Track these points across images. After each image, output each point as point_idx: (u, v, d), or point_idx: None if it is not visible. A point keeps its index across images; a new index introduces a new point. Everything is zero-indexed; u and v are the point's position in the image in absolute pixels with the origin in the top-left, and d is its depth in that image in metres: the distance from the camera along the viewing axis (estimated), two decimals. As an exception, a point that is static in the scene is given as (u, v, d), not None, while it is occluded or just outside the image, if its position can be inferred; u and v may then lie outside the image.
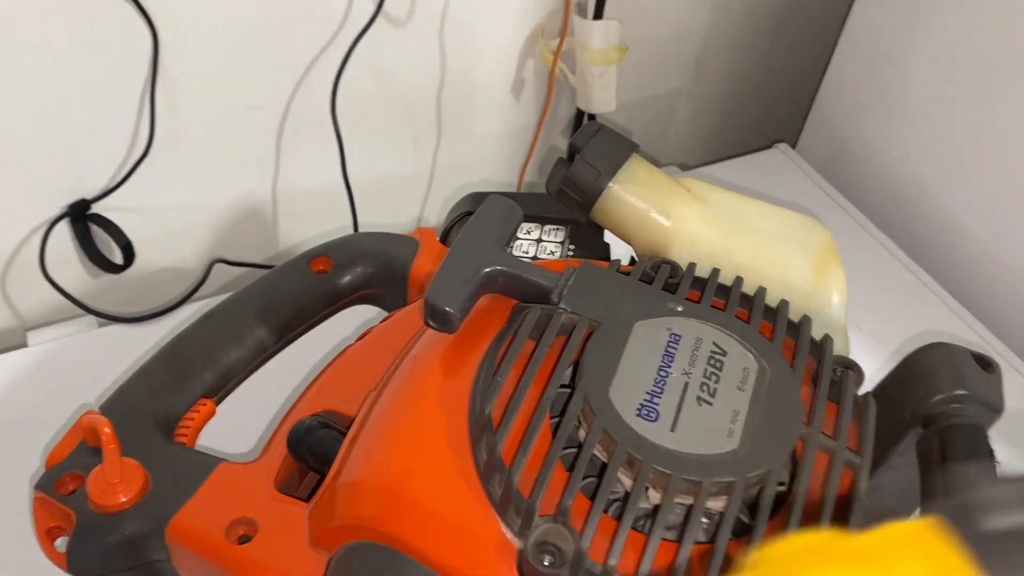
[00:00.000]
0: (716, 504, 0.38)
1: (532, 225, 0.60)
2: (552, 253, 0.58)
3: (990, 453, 0.46)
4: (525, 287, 0.45)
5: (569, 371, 0.42)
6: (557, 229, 0.60)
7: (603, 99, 0.88)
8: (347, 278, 0.58)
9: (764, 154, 0.95)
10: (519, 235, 0.59)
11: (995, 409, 0.49)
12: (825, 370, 0.43)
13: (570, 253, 0.58)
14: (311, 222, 0.86)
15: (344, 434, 0.45)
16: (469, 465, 0.40)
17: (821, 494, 0.39)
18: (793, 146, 0.98)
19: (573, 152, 0.55)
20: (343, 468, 0.43)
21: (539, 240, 0.59)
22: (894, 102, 0.87)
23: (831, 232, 0.55)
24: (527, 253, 0.58)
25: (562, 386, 0.42)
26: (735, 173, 0.91)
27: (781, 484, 0.40)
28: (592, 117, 0.93)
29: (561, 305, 0.43)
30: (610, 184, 0.53)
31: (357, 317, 0.59)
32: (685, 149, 1.08)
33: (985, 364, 0.50)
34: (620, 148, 0.54)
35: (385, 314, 0.58)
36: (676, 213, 0.54)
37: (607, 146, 0.54)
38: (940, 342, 0.50)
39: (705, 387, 0.41)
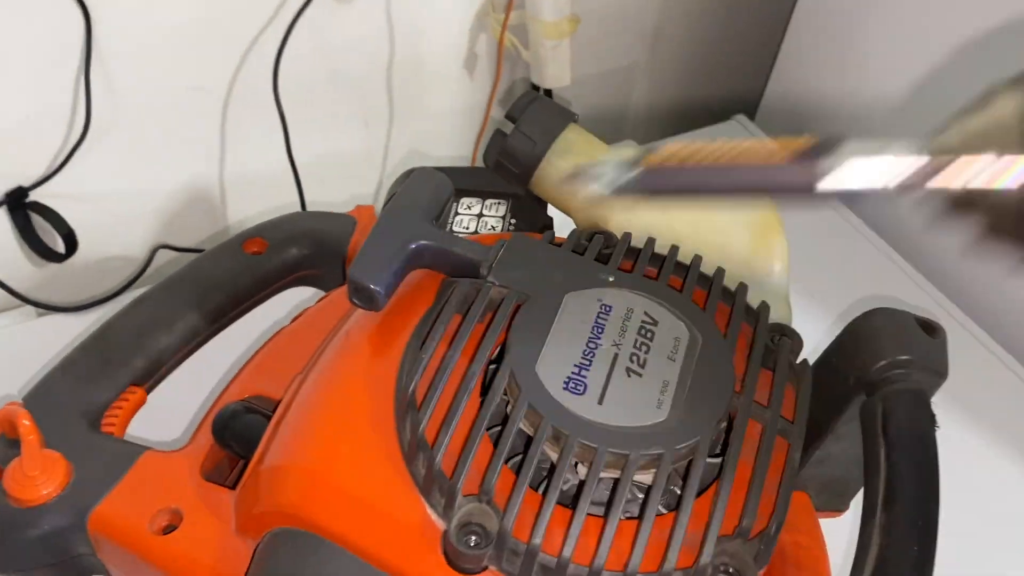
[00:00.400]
0: (645, 477, 0.37)
1: (473, 200, 0.58)
2: (493, 228, 0.57)
3: (932, 418, 0.45)
4: (454, 261, 0.44)
5: (497, 346, 0.41)
6: (498, 203, 0.59)
7: (557, 74, 0.87)
8: (282, 259, 0.57)
9: (721, 127, 0.94)
10: (459, 210, 0.58)
11: (939, 374, 0.48)
12: (759, 337, 0.42)
13: (511, 227, 0.57)
14: (259, 205, 0.85)
15: (270, 418, 0.44)
16: (394, 446, 0.39)
17: (754, 464, 0.38)
18: (752, 117, 0.97)
19: (511, 121, 0.53)
20: (266, 453, 0.42)
21: (480, 215, 0.58)
22: (855, 69, 0.86)
23: (775, 205, 0.54)
24: (467, 229, 0.57)
25: (491, 362, 0.40)
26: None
27: (714, 456, 0.39)
28: (548, 93, 0.91)
29: (489, 279, 0.42)
30: (546, 154, 0.52)
31: (294, 299, 0.58)
32: (645, 124, 1.07)
33: (930, 329, 0.49)
34: (556, 117, 0.53)
35: (322, 295, 0.56)
36: (615, 183, 0.52)
37: (543, 116, 0.53)
38: (883, 307, 0.49)
39: (635, 358, 0.40)
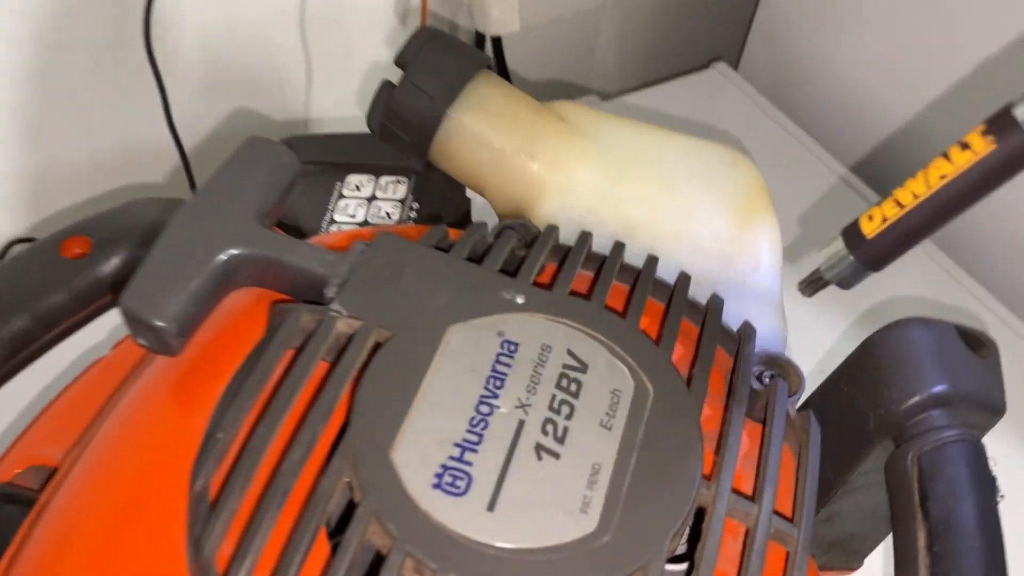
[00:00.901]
0: (564, 624, 0.23)
1: (363, 178, 0.44)
2: (388, 216, 0.42)
3: (991, 484, 0.31)
4: (288, 278, 0.30)
5: (337, 415, 0.27)
6: (397, 182, 0.44)
7: (503, 19, 0.72)
8: (112, 264, 0.42)
9: (699, 76, 0.79)
10: (344, 192, 0.44)
11: (994, 410, 0.35)
12: (740, 380, 0.28)
13: (412, 215, 0.42)
14: (143, 185, 0.70)
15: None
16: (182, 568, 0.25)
17: (737, 586, 0.24)
18: (734, 65, 0.83)
19: (403, 70, 0.39)
20: (11, 566, 0.28)
21: (372, 199, 0.43)
22: (846, 11, 0.72)
23: (762, 170, 0.40)
24: (353, 218, 0.42)
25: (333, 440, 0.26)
26: (665, 99, 0.75)
27: (680, 559, 0.26)
28: (496, 43, 0.77)
29: (335, 305, 0.28)
30: (448, 113, 0.38)
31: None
32: (614, 74, 0.92)
33: (977, 344, 0.36)
34: (462, 63, 0.39)
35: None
36: (546, 152, 0.38)
37: (443, 60, 0.38)
38: (912, 318, 0.36)
39: (550, 428, 0.26)
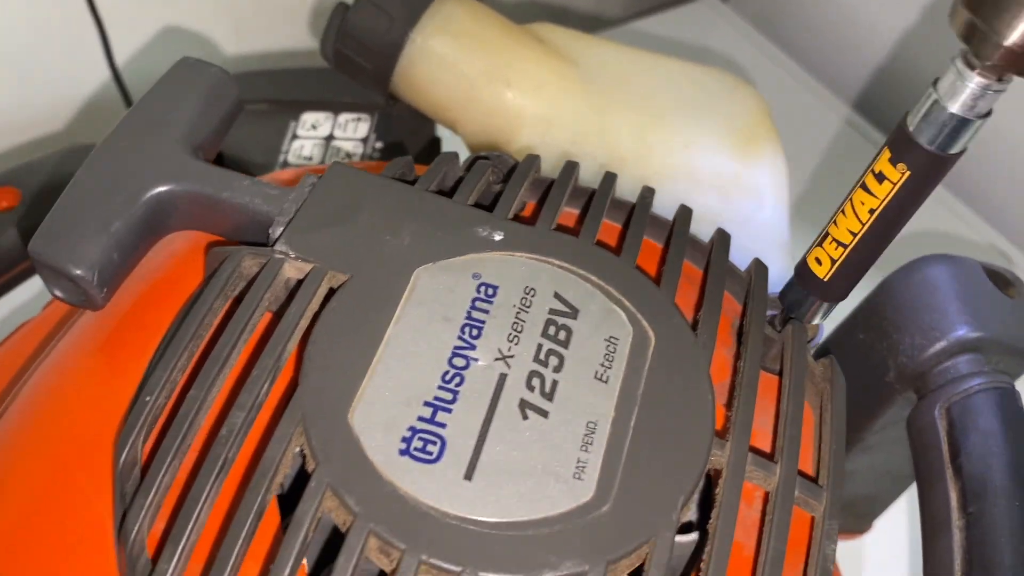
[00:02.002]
0: (557, 610, 0.20)
1: (320, 116, 0.40)
2: (348, 156, 0.38)
3: (1028, 433, 0.28)
4: (229, 217, 0.26)
5: (284, 371, 0.23)
6: (358, 120, 0.40)
7: None
8: (40, 215, 0.38)
9: (686, 9, 0.74)
10: (299, 132, 0.39)
11: (1024, 354, 0.31)
12: (754, 325, 0.25)
13: (376, 155, 0.38)
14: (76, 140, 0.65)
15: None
16: (110, 555, 0.21)
17: (755, 556, 0.21)
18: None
19: (355, -9, 0.35)
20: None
21: (330, 138, 0.39)
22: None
23: (764, 96, 0.36)
24: (310, 160, 0.38)
25: (279, 400, 0.23)
26: (651, 32, 0.71)
27: (689, 528, 0.22)
28: None
29: (280, 245, 0.24)
30: (411, 35, 0.34)
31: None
32: (595, 3, 0.86)
33: (1004, 283, 0.32)
34: (426, -21, 0.34)
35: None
36: (523, 78, 0.34)
37: (405, -24, 0.34)
38: (934, 255, 0.32)
39: (536, 382, 0.22)
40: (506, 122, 0.34)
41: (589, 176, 0.31)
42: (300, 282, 0.24)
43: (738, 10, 0.74)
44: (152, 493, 0.20)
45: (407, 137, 0.39)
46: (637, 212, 0.27)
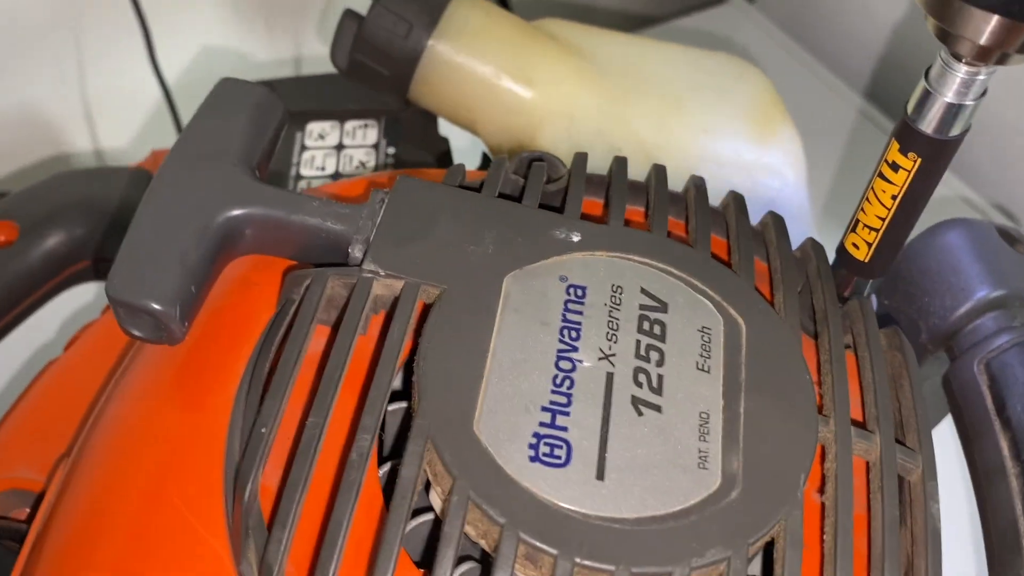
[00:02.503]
0: (697, 595, 0.21)
1: (327, 125, 0.39)
2: (363, 164, 0.38)
3: (1065, 381, 0.30)
4: (300, 239, 0.25)
5: (396, 385, 0.23)
6: (366, 126, 0.39)
7: None
8: (42, 250, 0.37)
9: (715, 12, 0.73)
10: (307, 143, 0.39)
11: (1044, 306, 0.33)
12: (828, 305, 0.26)
13: (390, 161, 0.38)
14: (123, 138, 0.62)
15: (22, 539, 0.25)
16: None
17: (868, 525, 0.22)
18: (752, 1, 0.77)
19: (366, -2, 0.34)
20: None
21: (340, 147, 0.39)
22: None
23: (782, 89, 0.37)
24: (323, 171, 0.38)
25: (402, 420, 0.23)
26: (679, 36, 0.69)
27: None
28: None
29: (368, 264, 0.24)
30: (429, 42, 0.33)
31: (69, 306, 0.38)
32: (619, 8, 0.84)
33: (1012, 240, 0.34)
34: (438, -18, 0.34)
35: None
36: (541, 75, 0.34)
37: (417, -19, 0.34)
38: (950, 220, 0.34)
39: (643, 378, 0.23)
40: (528, 120, 0.35)
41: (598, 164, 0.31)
42: (396, 300, 0.24)
43: (765, 12, 0.73)
44: (288, 526, 0.20)
45: (418, 140, 0.39)
46: (698, 201, 0.27)
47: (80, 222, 0.38)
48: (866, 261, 0.29)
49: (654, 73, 0.35)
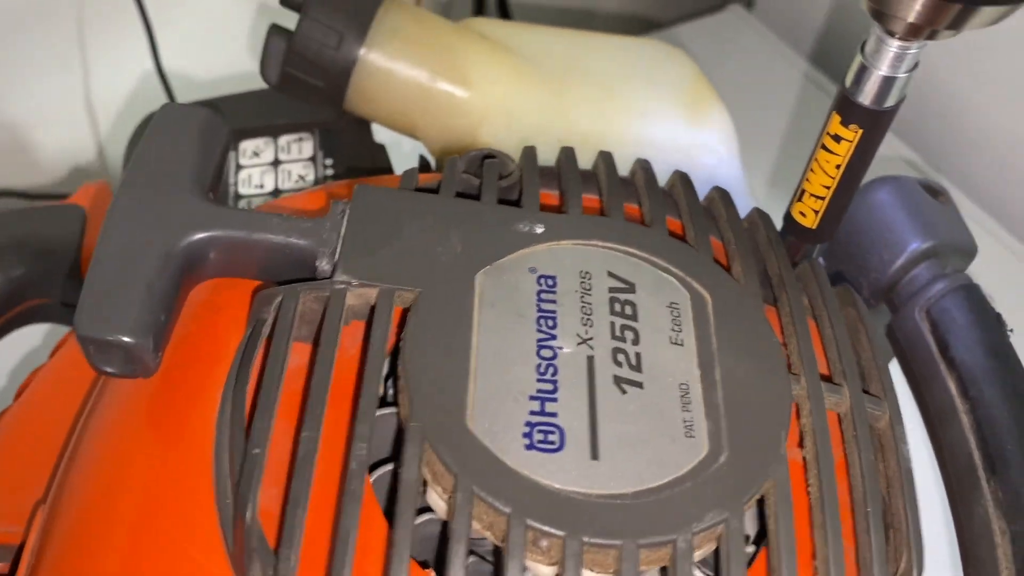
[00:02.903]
0: (702, 553, 0.21)
1: (260, 142, 0.39)
2: (302, 179, 0.38)
3: (998, 319, 0.32)
4: (266, 257, 0.25)
5: (382, 391, 0.23)
6: (300, 139, 0.39)
7: None
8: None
9: (714, 18, 0.74)
10: (242, 162, 0.38)
11: (970, 252, 0.35)
12: (783, 269, 0.27)
13: (328, 172, 0.38)
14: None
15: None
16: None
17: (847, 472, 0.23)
18: (748, 6, 0.78)
19: (293, 10, 0.34)
20: None
21: (276, 163, 0.38)
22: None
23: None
24: (262, 188, 0.37)
25: (396, 428, 0.23)
26: (678, 41, 0.69)
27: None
28: None
29: (339, 275, 0.24)
30: (362, 51, 0.33)
31: (15, 351, 0.37)
32: (620, 5, 0.83)
33: (933, 192, 0.36)
34: (364, -10, 0.34)
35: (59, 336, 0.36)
36: (476, 74, 0.35)
37: (343, -10, 0.34)
38: (878, 179, 0.35)
39: (622, 357, 0.23)
40: (467, 120, 0.35)
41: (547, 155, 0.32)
42: (372, 308, 0.24)
43: (763, 18, 0.74)
44: (294, 544, 0.20)
45: (354, 149, 0.39)
46: (648, 183, 0.28)
47: (12, 262, 0.36)
48: (814, 228, 0.30)
49: (586, 63, 0.36)
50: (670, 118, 0.36)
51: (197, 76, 0.61)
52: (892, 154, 0.60)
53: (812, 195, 0.29)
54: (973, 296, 0.32)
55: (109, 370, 0.24)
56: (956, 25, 0.23)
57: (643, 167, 0.29)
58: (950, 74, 0.61)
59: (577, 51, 0.37)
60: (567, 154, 0.29)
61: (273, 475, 0.22)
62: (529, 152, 0.29)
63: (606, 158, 0.29)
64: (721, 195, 0.29)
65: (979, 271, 0.35)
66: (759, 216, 0.29)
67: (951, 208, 0.36)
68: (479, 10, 0.71)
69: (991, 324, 0.31)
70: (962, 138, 0.62)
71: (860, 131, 0.27)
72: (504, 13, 0.70)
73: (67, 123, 0.60)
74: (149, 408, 0.25)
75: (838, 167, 0.28)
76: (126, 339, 0.23)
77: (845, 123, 0.27)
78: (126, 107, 0.61)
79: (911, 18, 0.23)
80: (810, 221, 0.29)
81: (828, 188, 0.29)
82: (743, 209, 0.36)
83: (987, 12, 0.22)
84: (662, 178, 0.31)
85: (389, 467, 0.23)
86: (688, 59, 0.37)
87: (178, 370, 0.25)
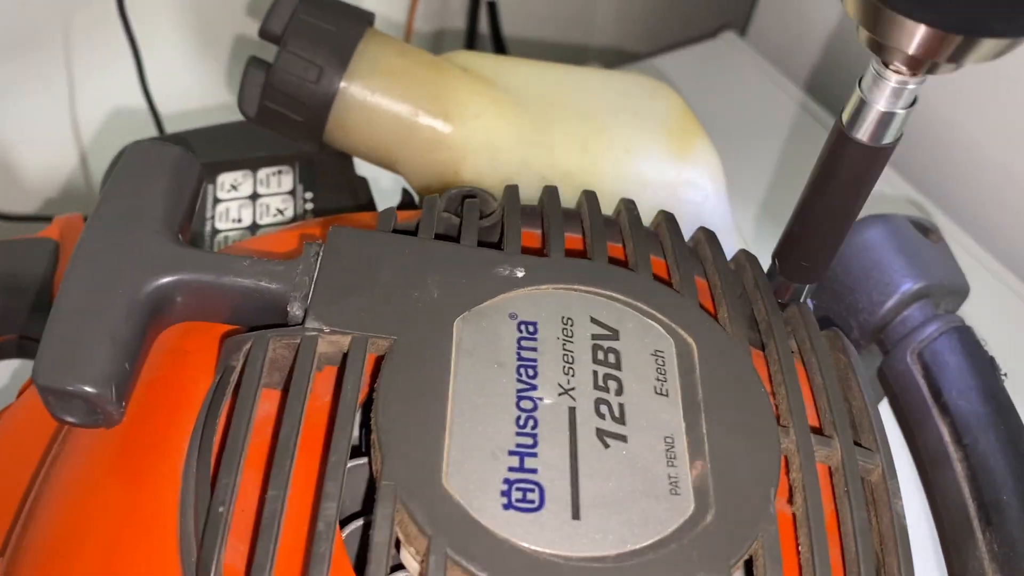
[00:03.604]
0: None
1: (238, 175, 0.38)
2: (280, 212, 0.37)
3: (992, 363, 0.31)
4: (235, 302, 0.24)
5: (355, 443, 0.22)
6: (280, 172, 0.38)
7: None
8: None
9: (707, 45, 0.73)
10: (220, 196, 0.37)
11: (962, 292, 0.35)
12: (771, 316, 0.26)
13: (308, 206, 0.37)
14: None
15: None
16: None
17: (838, 529, 0.22)
18: (742, 33, 0.78)
19: (272, 42, 0.33)
20: None
21: (255, 196, 0.38)
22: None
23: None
24: (240, 223, 0.37)
25: (367, 487, 0.22)
26: (671, 69, 0.69)
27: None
28: (492, 3, 0.69)
29: (311, 322, 0.23)
30: (342, 84, 0.33)
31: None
32: (613, 38, 0.84)
33: (925, 231, 0.36)
34: (345, 23, 0.33)
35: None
36: (459, 109, 0.34)
37: (324, 23, 0.33)
38: (868, 217, 0.35)
39: (605, 409, 0.23)
40: (449, 155, 0.34)
41: (530, 195, 0.31)
42: (345, 355, 0.23)
43: (755, 46, 0.73)
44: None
45: (334, 182, 0.38)
46: (632, 224, 0.27)
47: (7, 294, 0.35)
48: (806, 266, 0.29)
49: (570, 98, 0.36)
50: (655, 153, 0.35)
51: (184, 100, 0.60)
52: (893, 192, 0.60)
53: (803, 234, 0.28)
54: (966, 339, 0.32)
55: (71, 420, 0.23)
56: (957, 58, 0.22)
57: (627, 207, 0.28)
58: (950, 109, 0.61)
59: (561, 85, 0.36)
60: (550, 194, 0.28)
61: (241, 529, 0.21)
62: (511, 191, 0.28)
63: (590, 198, 0.28)
64: (707, 236, 0.28)
65: (976, 309, 0.34)
66: (746, 258, 0.28)
67: (943, 247, 0.35)
68: (471, 44, 0.71)
69: (985, 368, 0.31)
70: (957, 171, 0.61)
71: (851, 168, 0.26)
72: (499, 47, 0.70)
73: (52, 146, 0.59)
74: (114, 457, 0.24)
75: (827, 205, 0.27)
76: (88, 389, 0.22)
77: (837, 158, 0.26)
78: (112, 131, 0.61)
79: (911, 50, 0.22)
80: (800, 259, 0.29)
81: (820, 227, 0.28)
82: (730, 246, 0.35)
83: (989, 45, 0.21)
84: (648, 214, 0.30)
85: (361, 521, 0.22)
86: (673, 93, 0.37)
87: (145, 418, 0.24)
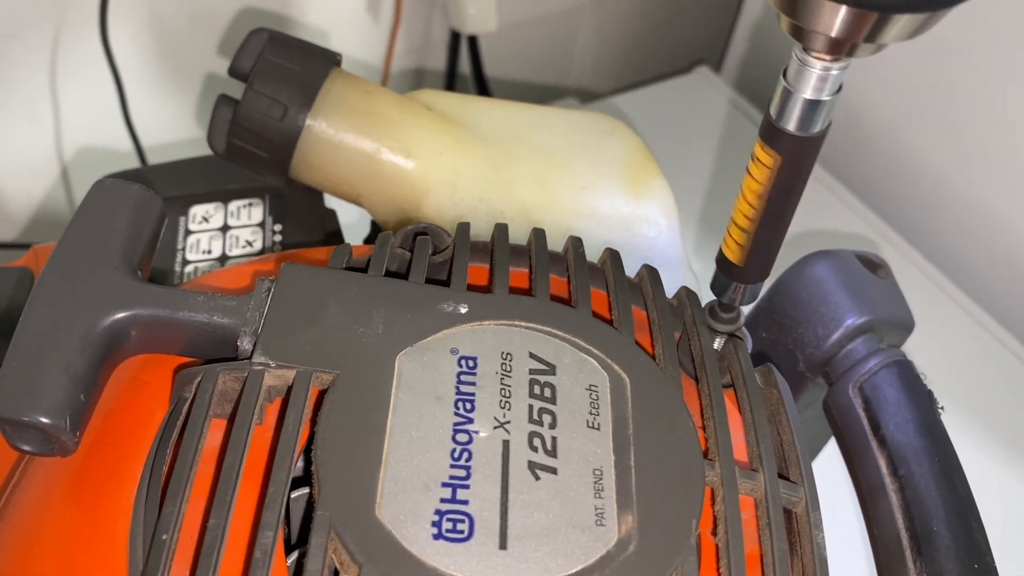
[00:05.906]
0: (606, 651, 0.21)
1: (210, 207, 0.39)
2: (249, 244, 0.38)
3: (930, 396, 0.32)
4: (188, 336, 0.25)
5: (295, 476, 0.23)
6: (250, 205, 0.40)
7: (480, 16, 0.69)
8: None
9: (681, 80, 0.75)
10: (191, 227, 0.39)
11: (907, 327, 0.36)
12: (705, 352, 0.27)
13: (277, 238, 0.38)
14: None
15: None
16: None
17: (759, 555, 0.23)
18: (716, 69, 0.79)
19: (240, 80, 0.35)
20: None
21: (225, 228, 0.39)
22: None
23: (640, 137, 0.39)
24: (209, 254, 0.38)
25: (304, 515, 0.23)
26: (647, 103, 0.70)
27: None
28: (472, 41, 0.72)
29: (258, 356, 0.24)
30: (307, 122, 0.34)
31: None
32: (592, 76, 0.86)
33: (873, 267, 0.37)
34: (311, 63, 0.35)
35: None
36: (420, 146, 0.35)
37: (290, 63, 0.34)
38: (815, 253, 0.36)
39: (538, 442, 0.24)
40: (411, 191, 0.35)
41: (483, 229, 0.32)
42: (289, 389, 0.24)
43: (729, 80, 0.75)
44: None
45: (303, 215, 0.39)
46: (577, 263, 0.28)
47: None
48: (741, 264, 0.29)
49: (530, 136, 0.37)
50: (611, 190, 0.36)
51: (163, 132, 0.62)
52: (846, 229, 0.61)
53: (736, 226, 0.28)
54: (905, 373, 0.33)
55: (27, 448, 0.24)
56: (874, 36, 0.22)
57: (574, 245, 0.30)
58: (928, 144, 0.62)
59: (521, 123, 0.37)
60: (499, 231, 0.29)
61: (187, 557, 0.22)
62: (463, 228, 0.29)
63: (538, 235, 0.30)
64: (650, 273, 0.29)
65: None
66: (686, 295, 0.29)
67: (890, 282, 0.36)
68: (451, 84, 0.73)
69: (922, 402, 0.32)
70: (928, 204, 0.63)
71: (780, 159, 0.26)
72: (481, 86, 0.73)
73: (36, 173, 0.61)
74: (70, 485, 0.25)
75: (759, 196, 0.27)
76: (42, 419, 0.23)
77: (767, 149, 0.26)
78: (94, 162, 0.62)
79: (831, 31, 0.22)
80: (735, 255, 0.28)
81: (752, 220, 0.28)
82: (681, 280, 0.36)
83: (904, 21, 0.22)
84: (602, 248, 0.31)
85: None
86: (630, 132, 0.38)
87: (102, 446, 0.25)
